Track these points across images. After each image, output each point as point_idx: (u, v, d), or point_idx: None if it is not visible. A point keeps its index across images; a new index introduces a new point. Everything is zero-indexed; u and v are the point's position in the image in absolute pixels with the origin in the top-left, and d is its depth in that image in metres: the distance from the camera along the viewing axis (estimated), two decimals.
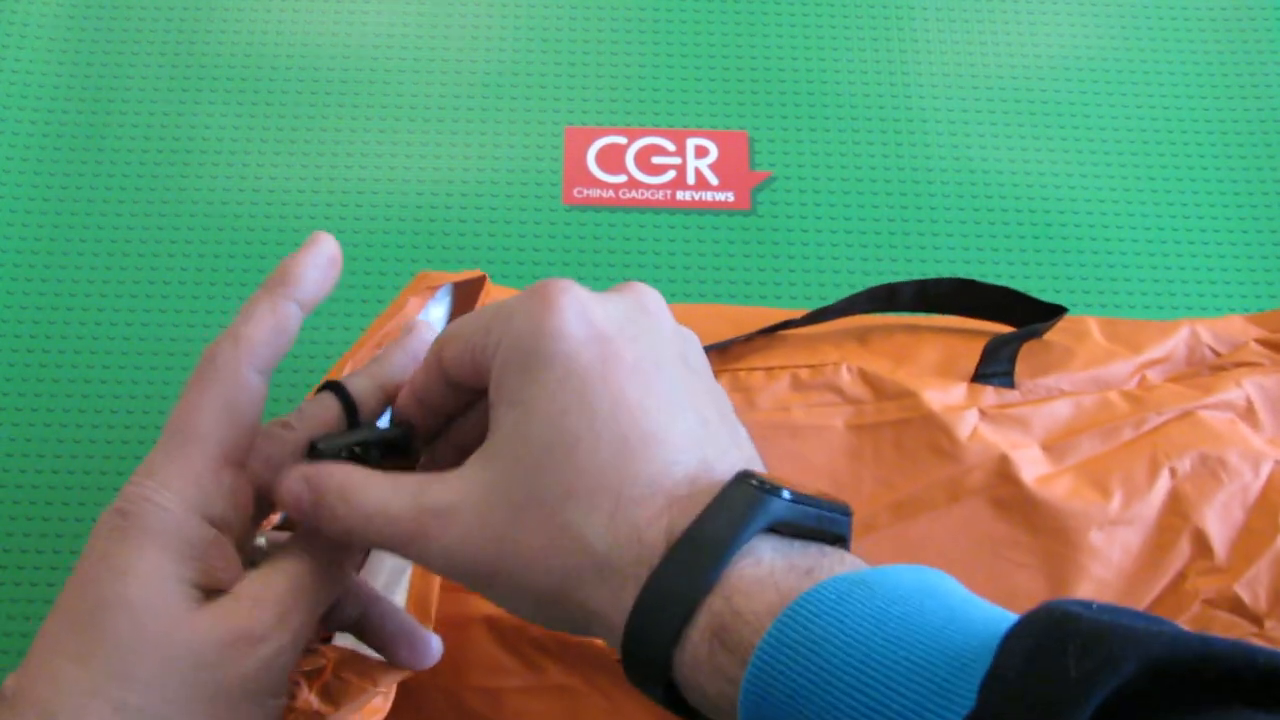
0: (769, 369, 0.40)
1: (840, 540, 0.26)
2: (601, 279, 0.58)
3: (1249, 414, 0.40)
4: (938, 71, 0.64)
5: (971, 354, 0.40)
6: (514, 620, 0.35)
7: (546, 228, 0.59)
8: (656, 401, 0.26)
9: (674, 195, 0.60)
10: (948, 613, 0.22)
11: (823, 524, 0.25)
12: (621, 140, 0.61)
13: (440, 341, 0.29)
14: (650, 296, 0.28)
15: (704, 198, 0.60)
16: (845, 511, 0.26)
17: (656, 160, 0.61)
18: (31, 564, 0.51)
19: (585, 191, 0.60)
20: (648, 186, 0.60)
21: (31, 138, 0.60)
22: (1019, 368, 0.40)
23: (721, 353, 0.41)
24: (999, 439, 0.37)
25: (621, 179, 0.61)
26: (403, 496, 0.27)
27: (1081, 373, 0.40)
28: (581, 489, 0.25)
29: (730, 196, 0.60)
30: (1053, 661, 0.20)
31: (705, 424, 0.27)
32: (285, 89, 0.62)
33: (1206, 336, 0.42)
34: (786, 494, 0.25)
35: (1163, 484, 0.37)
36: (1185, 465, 0.38)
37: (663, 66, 0.64)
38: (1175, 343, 0.42)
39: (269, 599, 0.27)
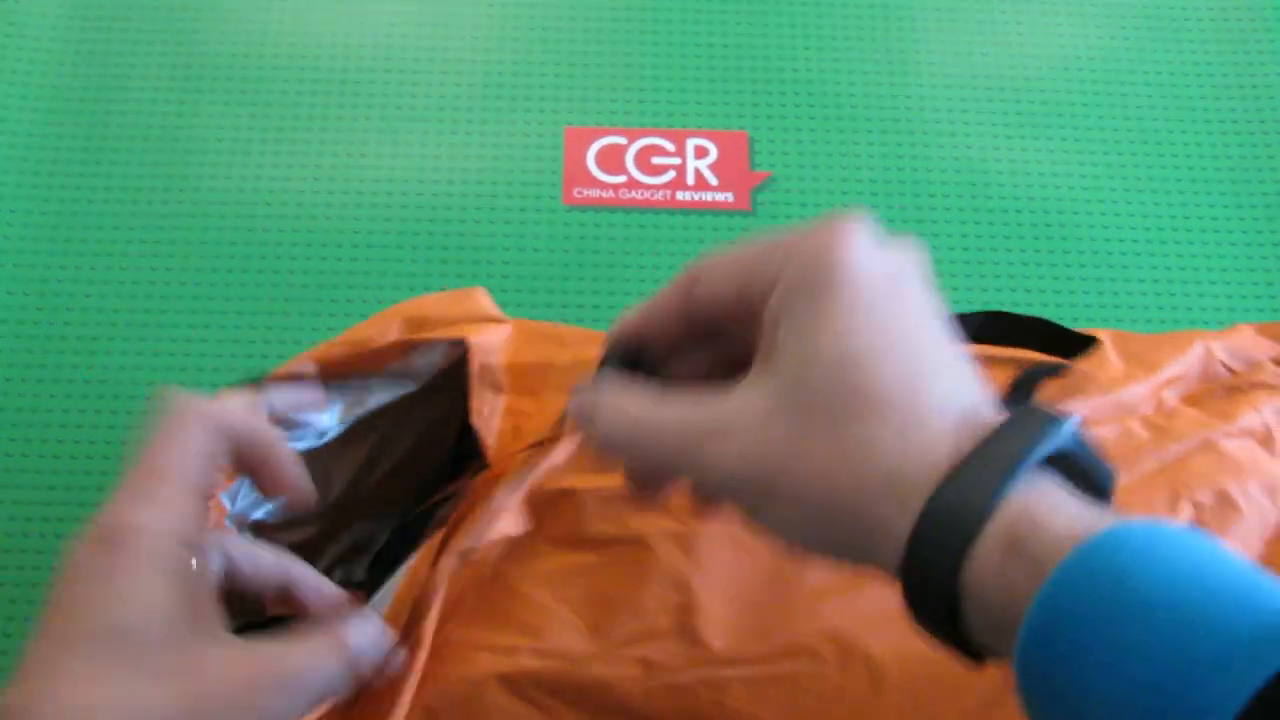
0: None
1: (1106, 496, 0.26)
2: (601, 279, 0.58)
3: (1267, 440, 0.40)
4: (938, 71, 0.64)
5: (995, 382, 0.40)
6: (527, 670, 0.35)
7: (546, 228, 0.59)
8: (939, 339, 0.27)
9: (674, 195, 0.60)
10: (1253, 577, 0.22)
11: (1097, 472, 0.26)
12: (621, 140, 0.61)
13: (691, 276, 0.31)
14: (921, 256, 0.29)
15: (704, 198, 0.60)
16: (1112, 470, 0.26)
17: (656, 160, 0.61)
18: (31, 565, 0.51)
19: (585, 192, 0.60)
20: (647, 187, 0.60)
21: (31, 138, 0.60)
22: (1038, 393, 0.40)
23: None
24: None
25: (621, 179, 0.61)
26: (682, 411, 0.28)
27: (1100, 397, 0.40)
28: (871, 405, 0.26)
29: (730, 197, 0.60)
30: None
31: (976, 372, 0.27)
32: (285, 89, 0.62)
33: (1221, 353, 0.42)
34: (1075, 422, 0.25)
35: (1184, 517, 0.37)
36: (1207, 498, 0.37)
37: (662, 67, 0.64)
38: (1190, 360, 0.42)
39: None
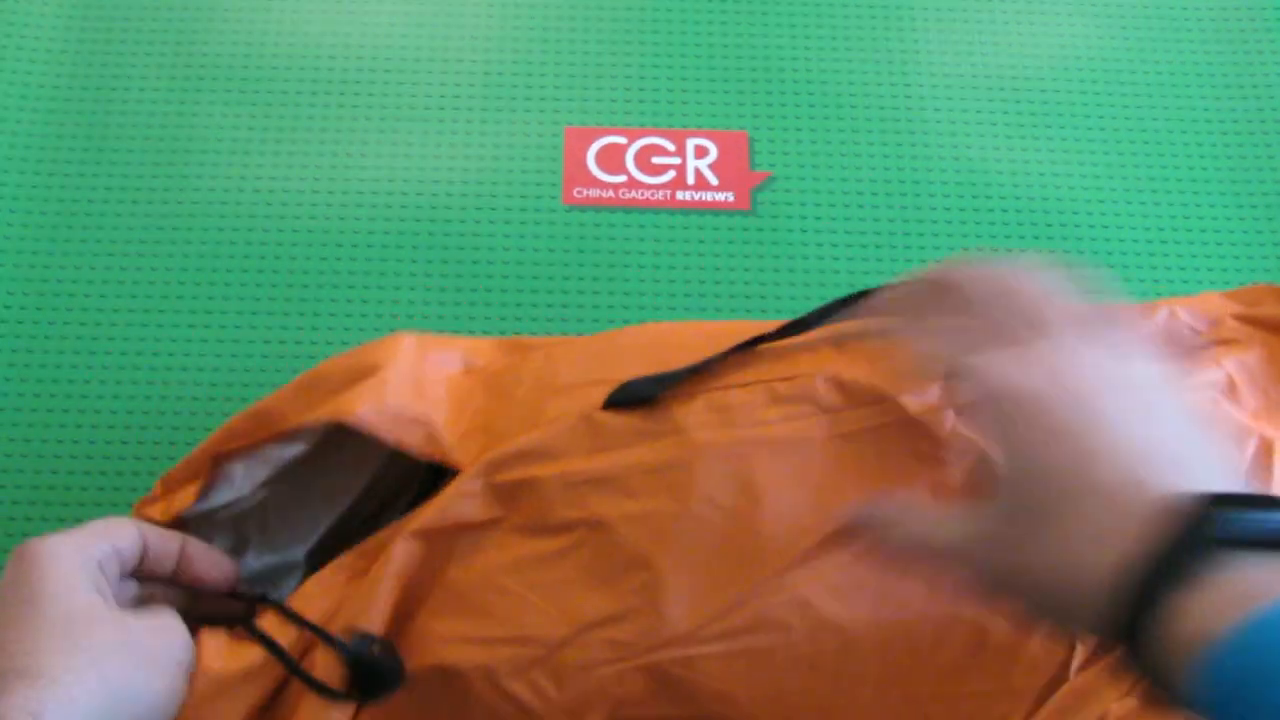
0: (745, 385, 0.39)
1: None
2: (601, 279, 0.58)
3: (1231, 390, 0.40)
4: (938, 71, 0.64)
5: None
6: (505, 659, 0.36)
7: (546, 228, 0.59)
8: (1109, 425, 0.31)
9: (674, 195, 0.60)
10: None
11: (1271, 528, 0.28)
12: (621, 140, 0.61)
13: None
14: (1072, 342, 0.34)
15: (704, 198, 0.60)
16: None
17: (656, 160, 0.61)
18: None
19: (585, 191, 0.60)
20: (647, 187, 0.60)
21: (31, 138, 0.60)
22: None
23: (698, 374, 0.40)
24: (978, 434, 0.38)
25: (621, 179, 0.61)
26: (953, 531, 0.33)
27: None
28: (1060, 506, 0.30)
29: (730, 196, 0.60)
30: None
31: (1155, 440, 0.31)
32: (285, 89, 0.62)
33: (1185, 316, 0.42)
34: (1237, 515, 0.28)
35: None
36: None
37: (662, 66, 0.64)
38: (1154, 324, 0.42)
39: None
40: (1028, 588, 0.31)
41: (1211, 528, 0.28)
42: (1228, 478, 0.31)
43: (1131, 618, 0.28)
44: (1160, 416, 0.32)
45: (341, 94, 0.62)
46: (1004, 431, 0.32)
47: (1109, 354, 0.33)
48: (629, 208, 0.60)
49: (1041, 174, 0.62)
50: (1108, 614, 0.28)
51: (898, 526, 0.35)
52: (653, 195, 0.60)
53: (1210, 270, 0.60)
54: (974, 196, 0.61)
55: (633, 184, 0.60)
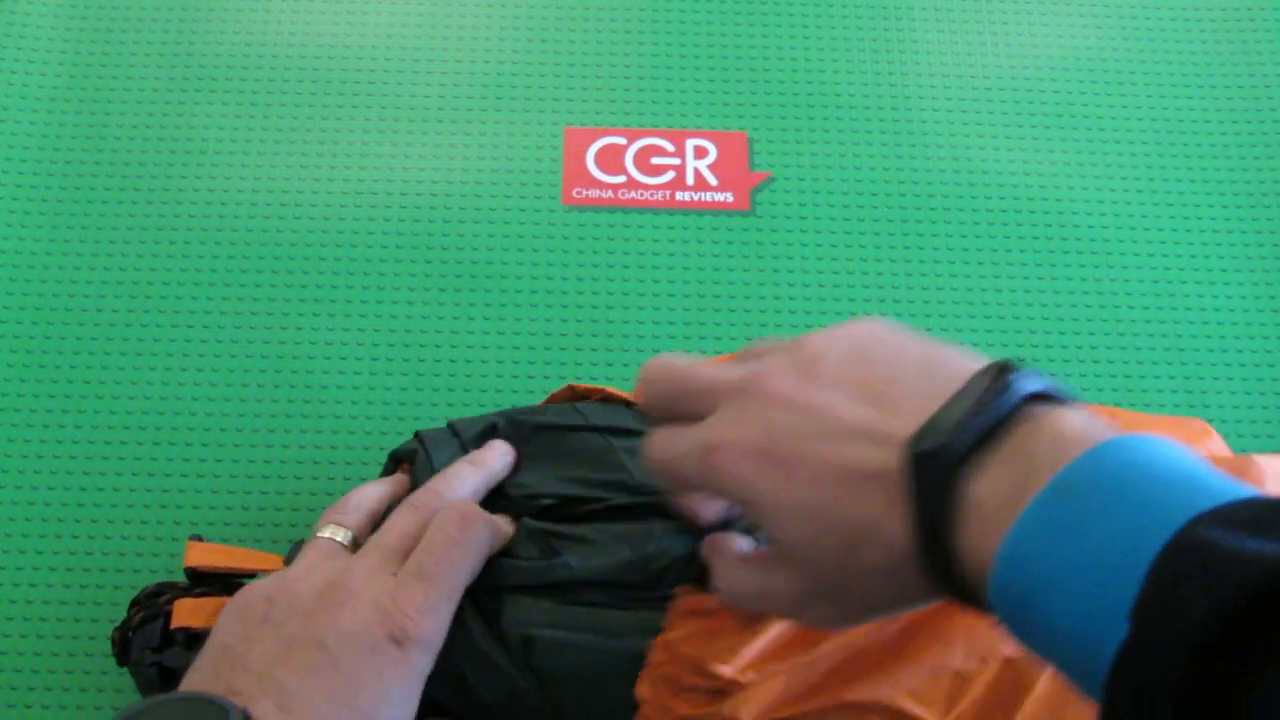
0: None
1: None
2: (600, 279, 0.58)
3: None
4: (937, 71, 0.64)
5: None
6: None
7: (546, 228, 0.59)
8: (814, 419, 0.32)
9: (673, 196, 0.60)
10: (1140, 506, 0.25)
11: (998, 414, 0.29)
12: (621, 141, 0.61)
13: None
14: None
15: (703, 198, 0.60)
16: (1002, 385, 0.29)
17: (656, 161, 0.61)
18: (30, 564, 0.51)
19: (584, 192, 0.60)
20: (647, 187, 0.60)
21: (31, 138, 0.60)
22: None
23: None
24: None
25: (621, 179, 0.61)
26: (758, 584, 0.34)
27: None
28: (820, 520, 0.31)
29: (729, 197, 0.60)
30: (1180, 601, 0.22)
31: (881, 401, 0.31)
32: (285, 89, 0.62)
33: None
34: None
35: None
36: None
37: (662, 67, 0.64)
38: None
39: None
40: (871, 607, 0.32)
41: (937, 469, 0.28)
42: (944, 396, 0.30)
43: (946, 580, 0.28)
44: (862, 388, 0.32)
45: (341, 94, 0.62)
46: (723, 488, 0.33)
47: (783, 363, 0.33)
48: (628, 208, 0.60)
49: (1041, 174, 0.62)
50: (933, 583, 0.29)
51: (719, 580, 0.36)
52: (652, 195, 0.60)
53: (1210, 270, 0.60)
54: (974, 196, 0.61)
55: (632, 184, 0.60)
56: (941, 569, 0.28)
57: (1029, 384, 0.29)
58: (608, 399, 0.45)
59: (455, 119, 0.62)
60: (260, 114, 0.61)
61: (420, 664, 0.36)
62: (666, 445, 0.35)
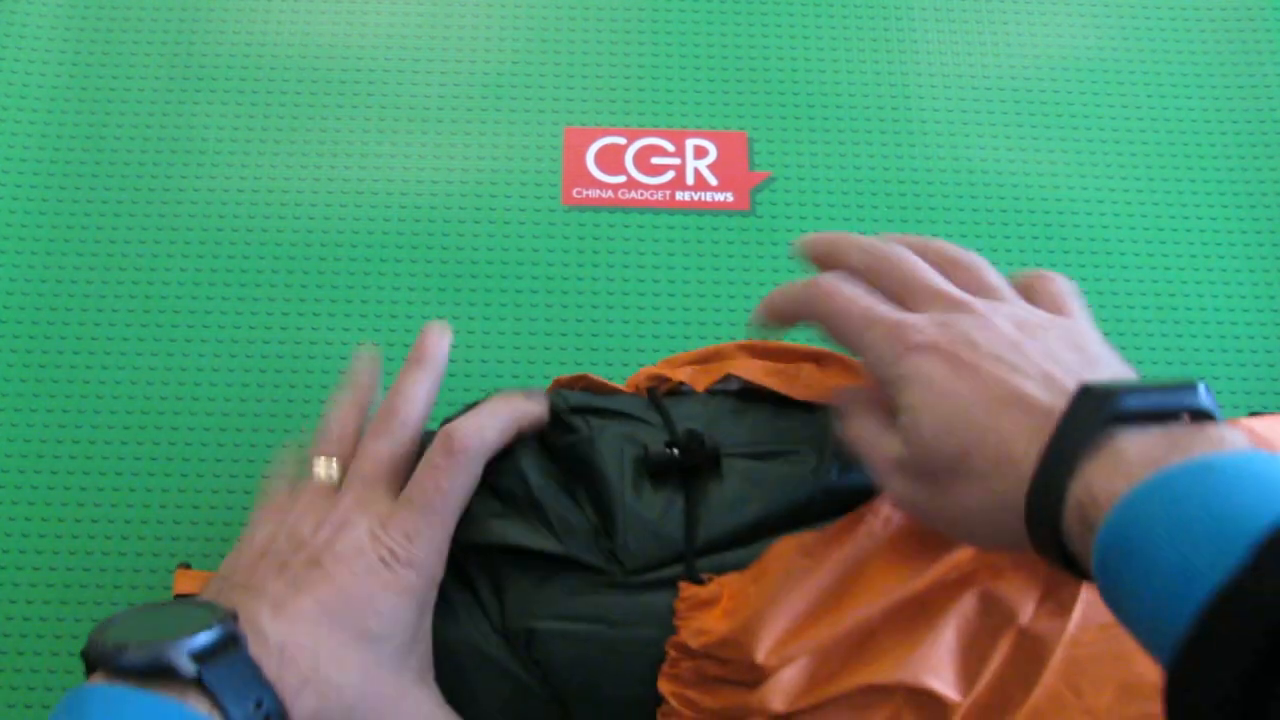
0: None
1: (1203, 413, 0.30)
2: (601, 279, 0.58)
3: None
4: (937, 71, 0.64)
5: None
6: None
7: (546, 228, 0.59)
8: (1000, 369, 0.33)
9: (673, 196, 0.60)
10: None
11: (1170, 404, 0.30)
12: (621, 141, 0.61)
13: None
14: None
15: (703, 198, 0.60)
16: (1187, 386, 0.30)
17: (656, 161, 0.61)
18: (30, 564, 0.51)
19: (584, 192, 0.60)
20: (647, 187, 0.60)
21: (31, 138, 0.60)
22: None
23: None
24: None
25: (621, 179, 0.61)
26: (887, 448, 0.36)
27: None
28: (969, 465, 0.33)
29: (729, 197, 0.60)
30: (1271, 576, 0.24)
31: (1067, 371, 0.33)
32: (285, 89, 0.62)
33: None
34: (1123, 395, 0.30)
35: None
36: None
37: (662, 67, 0.64)
38: None
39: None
40: (952, 519, 0.34)
41: (1100, 409, 0.30)
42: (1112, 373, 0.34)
43: (1048, 515, 0.30)
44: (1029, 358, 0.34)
45: (341, 94, 0.62)
46: (903, 400, 0.35)
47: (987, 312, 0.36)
48: (628, 208, 0.60)
49: (1041, 174, 0.62)
50: (1032, 517, 0.30)
51: (851, 419, 0.38)
52: (652, 195, 0.60)
53: (1210, 270, 0.60)
54: (974, 196, 0.61)
55: (632, 184, 0.60)
56: (1047, 508, 0.30)
57: (1213, 404, 0.30)
58: (591, 386, 0.45)
59: (455, 119, 0.62)
60: (260, 114, 0.61)
61: (412, 583, 0.37)
62: (853, 298, 0.37)
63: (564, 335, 0.57)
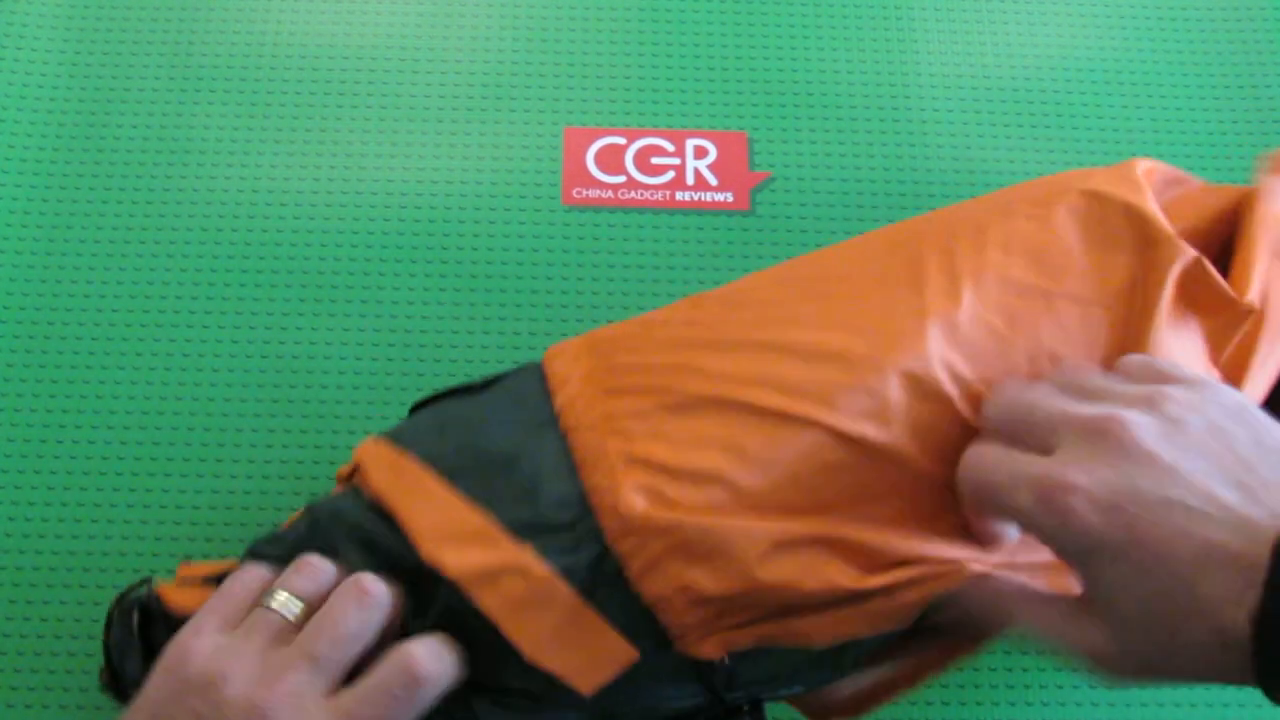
0: None
1: None
2: (601, 279, 0.58)
3: None
4: (938, 71, 0.64)
5: None
6: None
7: (546, 228, 0.59)
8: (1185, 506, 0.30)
9: (673, 196, 0.60)
10: None
11: None
12: (620, 141, 0.61)
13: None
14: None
15: (703, 198, 0.60)
16: None
17: (656, 161, 0.61)
18: (31, 565, 0.51)
19: (584, 192, 0.60)
20: (647, 187, 0.60)
21: (31, 138, 0.60)
22: None
23: None
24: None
25: (621, 179, 0.61)
26: (1074, 632, 0.33)
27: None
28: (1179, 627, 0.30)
29: (729, 197, 0.60)
30: None
31: (1242, 487, 0.30)
32: (285, 89, 0.62)
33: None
34: None
35: None
36: None
37: (662, 67, 0.64)
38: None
39: None
40: (1163, 667, 0.31)
41: None
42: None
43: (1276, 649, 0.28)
44: (1227, 448, 0.31)
45: (341, 94, 0.62)
46: (1085, 570, 0.32)
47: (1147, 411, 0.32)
48: (628, 208, 0.60)
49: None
50: (1256, 664, 0.28)
51: (1026, 614, 0.34)
52: (652, 195, 0.60)
53: None
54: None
55: (632, 184, 0.60)
56: (1276, 662, 0.28)
57: None
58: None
59: (455, 119, 0.62)
60: (260, 114, 0.61)
61: None
62: (995, 466, 0.33)
63: (564, 335, 0.57)
